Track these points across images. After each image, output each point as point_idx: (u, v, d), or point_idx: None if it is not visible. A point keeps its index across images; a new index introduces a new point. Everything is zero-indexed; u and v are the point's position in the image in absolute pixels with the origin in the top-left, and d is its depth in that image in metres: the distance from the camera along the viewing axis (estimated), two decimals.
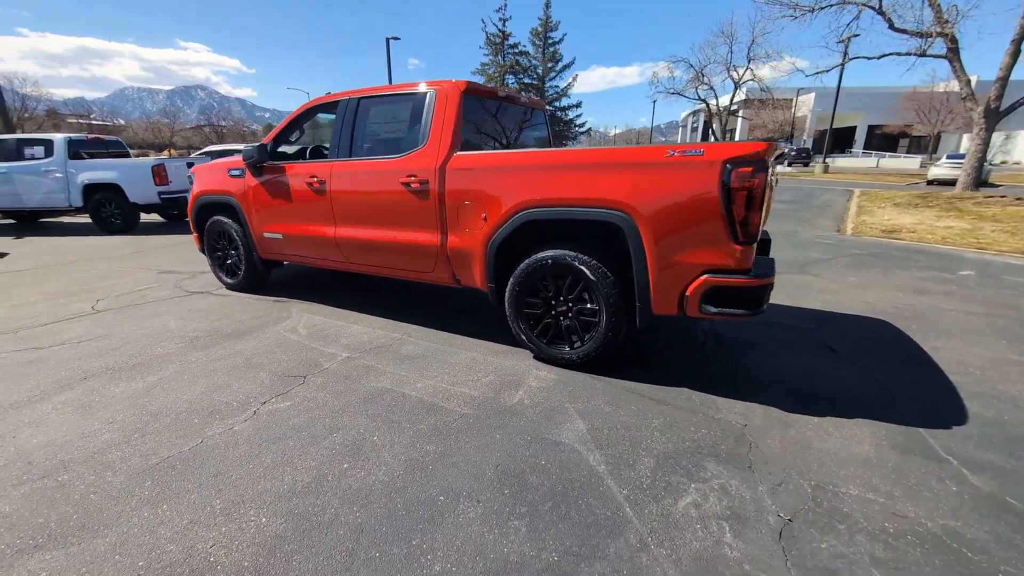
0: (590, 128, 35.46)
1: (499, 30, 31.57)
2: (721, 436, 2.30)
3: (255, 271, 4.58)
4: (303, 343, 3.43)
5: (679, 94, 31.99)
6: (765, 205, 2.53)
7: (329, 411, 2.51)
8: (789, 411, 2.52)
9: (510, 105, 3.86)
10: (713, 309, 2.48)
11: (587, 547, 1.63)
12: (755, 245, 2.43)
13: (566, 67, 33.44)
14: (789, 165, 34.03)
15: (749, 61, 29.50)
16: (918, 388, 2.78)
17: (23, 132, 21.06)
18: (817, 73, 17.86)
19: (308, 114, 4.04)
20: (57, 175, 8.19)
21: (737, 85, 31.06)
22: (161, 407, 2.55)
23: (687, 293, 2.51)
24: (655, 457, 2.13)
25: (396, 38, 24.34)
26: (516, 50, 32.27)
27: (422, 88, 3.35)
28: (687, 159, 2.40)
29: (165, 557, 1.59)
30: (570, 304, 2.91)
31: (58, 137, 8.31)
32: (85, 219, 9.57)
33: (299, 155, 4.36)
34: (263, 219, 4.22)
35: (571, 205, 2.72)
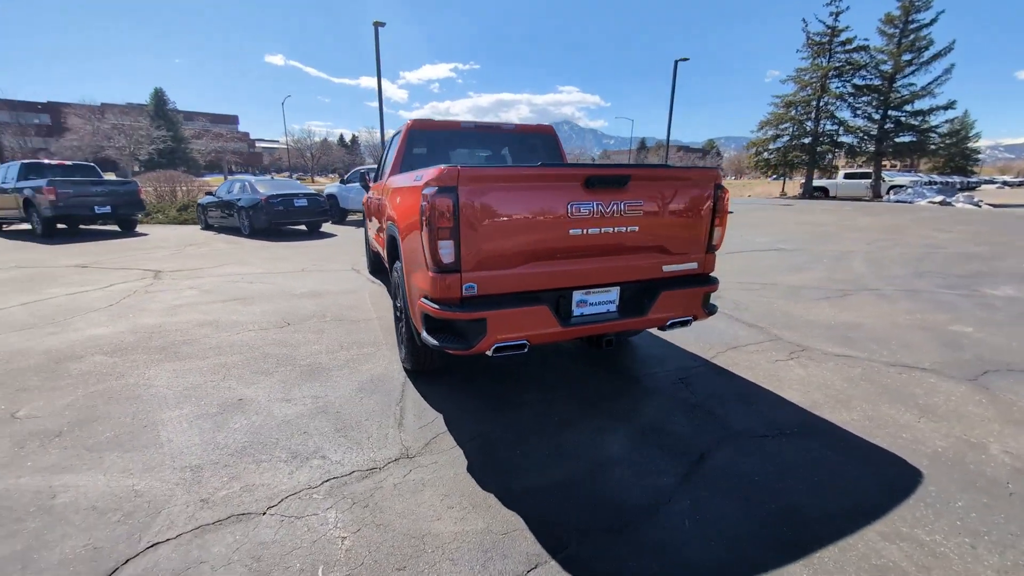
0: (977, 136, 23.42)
1: (827, 27, 25.76)
2: (326, 455, 2.34)
3: (371, 259, 6.48)
4: (339, 307, 4.90)
5: None
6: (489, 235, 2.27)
7: (273, 341, 3.84)
8: (477, 469, 2.20)
9: (486, 133, 4.22)
10: (423, 333, 2.44)
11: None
12: (455, 274, 2.25)
13: (936, 56, 24.04)
14: None
15: None
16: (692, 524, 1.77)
17: None
18: None
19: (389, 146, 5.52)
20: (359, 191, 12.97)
21: None
22: (224, 320, 4.50)
23: (419, 314, 2.54)
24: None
25: (685, 59, 24.00)
26: (849, 46, 25.58)
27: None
28: (416, 184, 2.46)
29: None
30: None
31: (362, 168, 13.11)
32: None
33: None
34: (369, 221, 6.03)
35: (391, 221, 3.10)
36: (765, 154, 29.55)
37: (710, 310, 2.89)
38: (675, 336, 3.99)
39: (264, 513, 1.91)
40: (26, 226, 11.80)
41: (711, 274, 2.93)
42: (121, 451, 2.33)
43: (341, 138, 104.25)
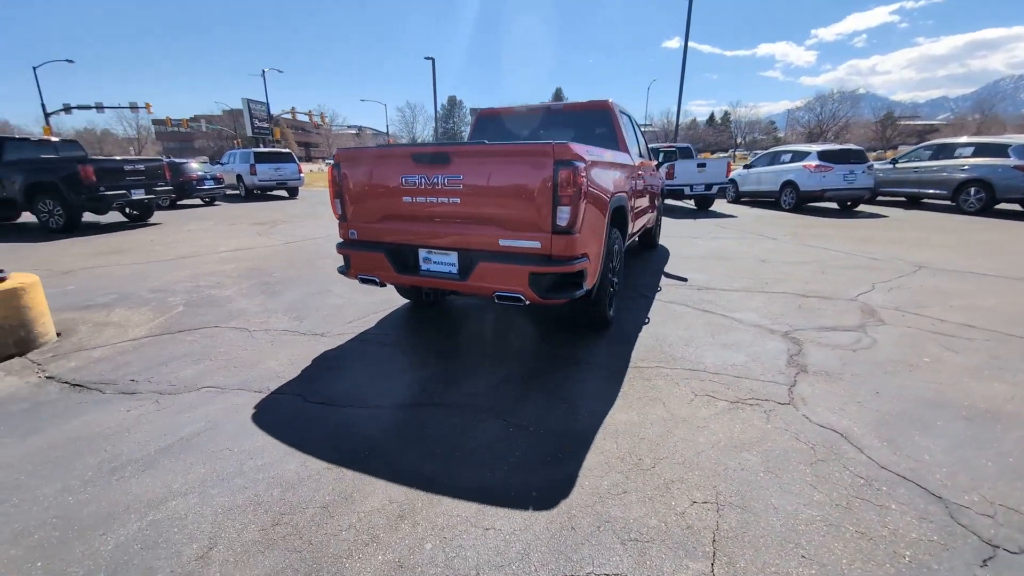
0: None
1: None
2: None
3: None
4: None
5: None
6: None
7: None
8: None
9: (541, 114, 4.52)
10: None
11: None
12: (345, 223, 3.27)
13: None
14: None
15: None
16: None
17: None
18: None
19: None
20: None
21: None
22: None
23: None
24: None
25: None
26: None
27: None
28: None
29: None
30: None
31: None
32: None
33: None
34: None
35: None
36: None
37: (548, 295, 2.67)
38: (634, 332, 3.38)
39: (225, 327, 3.72)
40: None
41: (570, 257, 2.66)
42: (265, 296, 4.67)
43: (712, 117, 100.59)
